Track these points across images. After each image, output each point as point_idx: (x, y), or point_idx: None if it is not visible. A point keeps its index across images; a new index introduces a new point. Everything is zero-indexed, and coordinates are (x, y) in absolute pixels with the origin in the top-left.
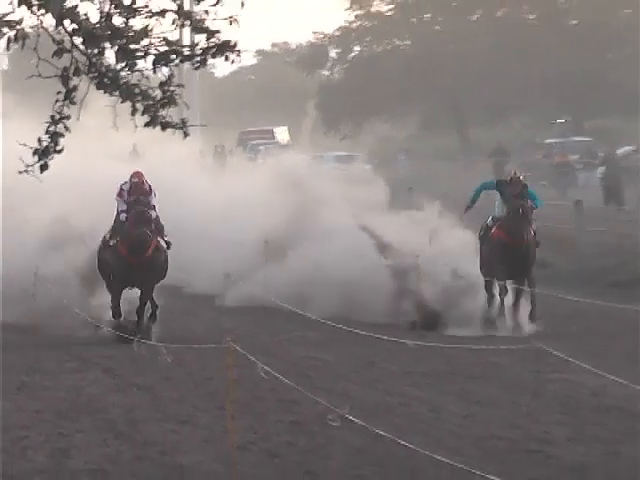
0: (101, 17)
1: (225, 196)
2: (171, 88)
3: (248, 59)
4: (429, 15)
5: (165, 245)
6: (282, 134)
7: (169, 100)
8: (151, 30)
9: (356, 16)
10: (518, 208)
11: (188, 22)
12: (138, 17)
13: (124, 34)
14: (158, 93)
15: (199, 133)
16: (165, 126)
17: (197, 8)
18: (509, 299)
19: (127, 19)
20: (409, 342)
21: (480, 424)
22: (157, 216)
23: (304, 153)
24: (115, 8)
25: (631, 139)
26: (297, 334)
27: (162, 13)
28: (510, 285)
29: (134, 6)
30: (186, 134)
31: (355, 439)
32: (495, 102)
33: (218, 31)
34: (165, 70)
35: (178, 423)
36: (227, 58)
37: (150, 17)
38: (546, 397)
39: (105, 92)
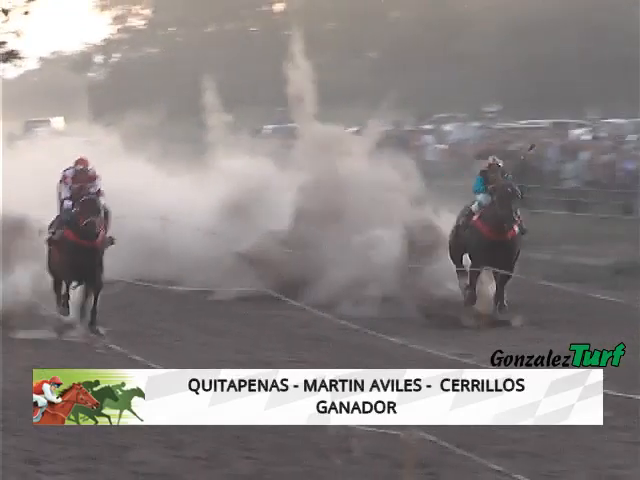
0: None
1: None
2: None
3: (32, 64)
4: (174, 29)
5: (109, 241)
6: (58, 123)
7: None
8: None
9: (116, 29)
10: (506, 187)
11: None
12: None
13: None
14: None
15: None
16: None
17: None
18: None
19: None
20: (159, 286)
21: (214, 350)
22: (104, 204)
23: (74, 137)
24: None
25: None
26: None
27: None
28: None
29: None
30: None
31: (118, 363)
32: (225, 95)
33: (5, 42)
34: None
35: None
36: (13, 63)
37: None
38: (267, 328)
39: None
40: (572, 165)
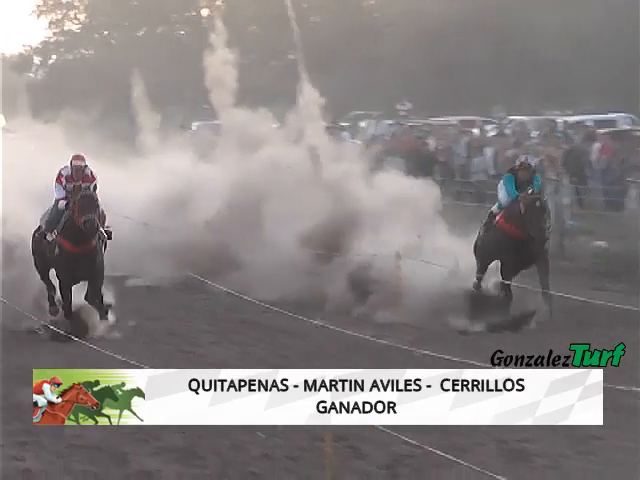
0: None
1: None
2: None
3: None
4: (107, 32)
5: (106, 235)
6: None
7: None
8: None
9: (53, 33)
10: (534, 201)
11: None
12: None
13: None
14: None
15: None
16: None
17: None
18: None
19: None
20: None
21: (145, 333)
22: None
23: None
24: None
25: None
26: None
27: None
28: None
29: None
30: None
31: (54, 344)
32: (156, 94)
33: None
34: None
35: None
36: None
37: None
38: (195, 312)
39: None
40: (478, 160)
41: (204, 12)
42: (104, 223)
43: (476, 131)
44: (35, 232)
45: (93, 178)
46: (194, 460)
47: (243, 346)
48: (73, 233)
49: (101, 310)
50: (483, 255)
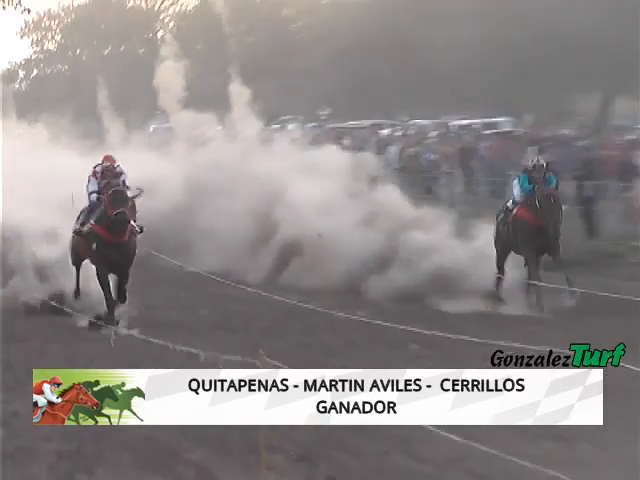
0: None
1: None
2: None
3: None
4: (79, 50)
5: (138, 229)
6: None
7: None
8: None
9: (34, 51)
10: (549, 196)
11: None
12: None
13: None
14: None
15: None
16: None
17: None
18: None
19: None
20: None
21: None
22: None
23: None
24: None
25: None
26: None
27: None
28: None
29: None
30: None
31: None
32: (119, 101)
33: None
34: None
35: None
36: None
37: None
38: (151, 283)
39: None
40: (384, 156)
41: (159, 34)
42: (135, 218)
43: (384, 132)
44: (74, 225)
45: (121, 173)
46: None
47: (191, 309)
48: (107, 224)
49: (122, 296)
50: (503, 247)
